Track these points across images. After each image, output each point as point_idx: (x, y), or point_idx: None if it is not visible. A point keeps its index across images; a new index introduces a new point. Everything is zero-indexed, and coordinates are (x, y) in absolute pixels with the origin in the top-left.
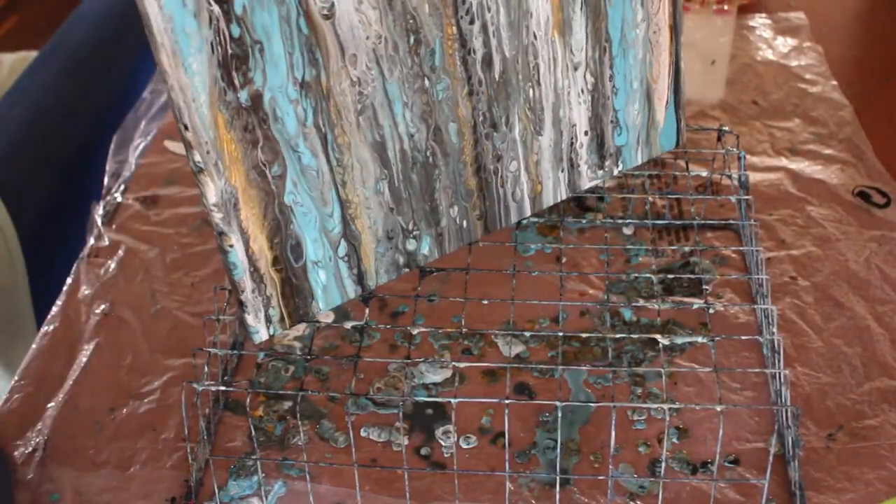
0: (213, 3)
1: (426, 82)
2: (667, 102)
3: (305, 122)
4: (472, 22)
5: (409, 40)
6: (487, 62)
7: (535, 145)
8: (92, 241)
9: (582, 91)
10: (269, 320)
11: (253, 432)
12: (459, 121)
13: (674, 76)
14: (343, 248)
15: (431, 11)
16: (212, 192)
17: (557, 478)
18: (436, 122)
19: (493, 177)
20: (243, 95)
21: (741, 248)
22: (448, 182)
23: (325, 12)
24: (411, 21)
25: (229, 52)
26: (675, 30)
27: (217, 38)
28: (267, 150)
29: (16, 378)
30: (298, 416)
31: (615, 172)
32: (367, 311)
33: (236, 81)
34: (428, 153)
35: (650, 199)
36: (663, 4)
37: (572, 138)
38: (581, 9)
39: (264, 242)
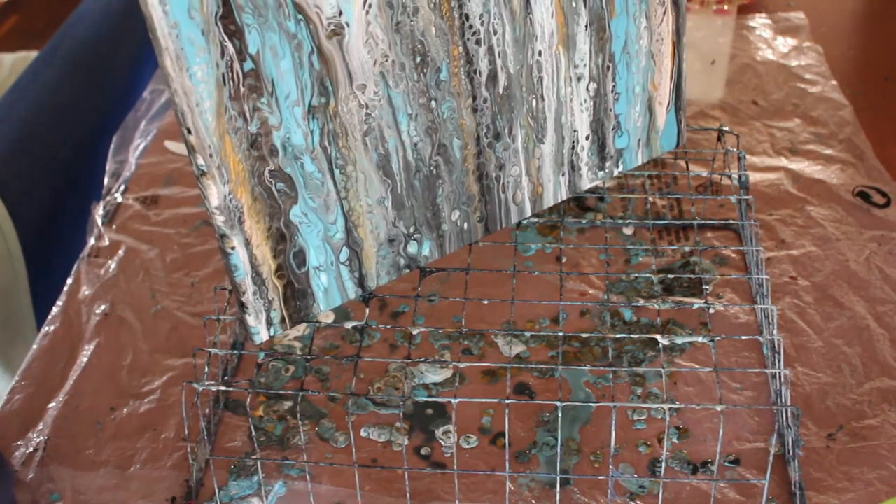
0: (227, 39)
1: (432, 102)
2: (668, 106)
3: (312, 142)
4: (478, 43)
5: (415, 59)
6: (492, 78)
7: (536, 151)
8: (92, 241)
9: (584, 100)
10: (269, 322)
11: (253, 432)
12: (463, 134)
13: (675, 80)
14: (345, 254)
15: (438, 34)
16: (214, 195)
17: (557, 478)
18: (440, 139)
19: (495, 183)
20: (253, 126)
21: (741, 248)
22: (450, 190)
23: (333, 27)
24: (419, 46)
25: (241, 88)
26: (677, 38)
27: (229, 73)
28: (273, 171)
29: (16, 378)
30: (298, 416)
31: (615, 173)
32: (367, 311)
33: (247, 112)
34: (432, 167)
35: (650, 199)
36: (667, 17)
37: (574, 143)
38: (585, 26)
39: (268, 252)
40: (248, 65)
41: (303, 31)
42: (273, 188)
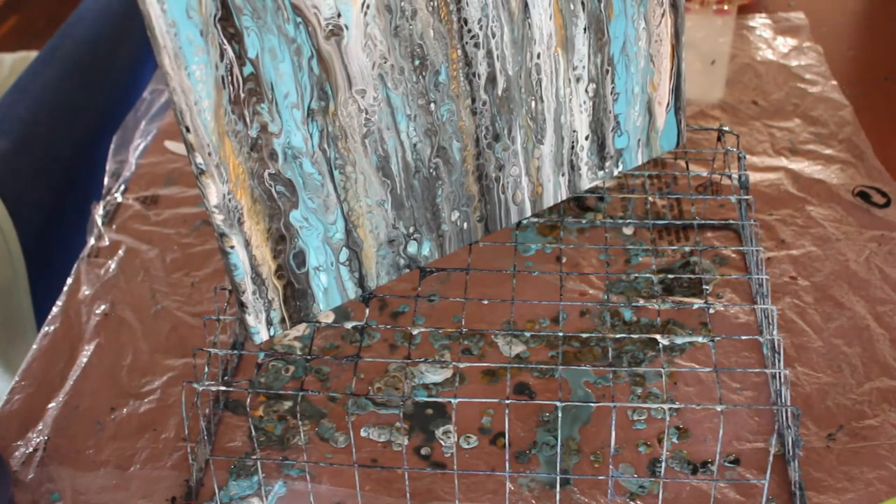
0: (226, 42)
1: (431, 105)
2: (667, 106)
3: (312, 146)
4: (477, 46)
5: (413, 62)
6: (491, 80)
7: (536, 152)
8: (92, 241)
9: (584, 101)
10: (269, 322)
11: (253, 432)
12: (463, 136)
13: (675, 81)
14: (345, 254)
15: (437, 37)
16: (213, 193)
17: (557, 478)
18: (439, 142)
19: (495, 183)
20: (253, 130)
21: (741, 248)
22: (450, 191)
23: (332, 28)
24: (418, 49)
25: (241, 93)
26: (676, 39)
27: (229, 77)
28: (273, 174)
29: (16, 378)
30: (298, 416)
31: (615, 173)
32: (367, 311)
33: (247, 117)
34: (431, 168)
35: (650, 199)
36: (665, 18)
37: (573, 143)
38: (584, 28)
39: (267, 253)
40: (248, 69)
41: (302, 35)
42: (273, 191)
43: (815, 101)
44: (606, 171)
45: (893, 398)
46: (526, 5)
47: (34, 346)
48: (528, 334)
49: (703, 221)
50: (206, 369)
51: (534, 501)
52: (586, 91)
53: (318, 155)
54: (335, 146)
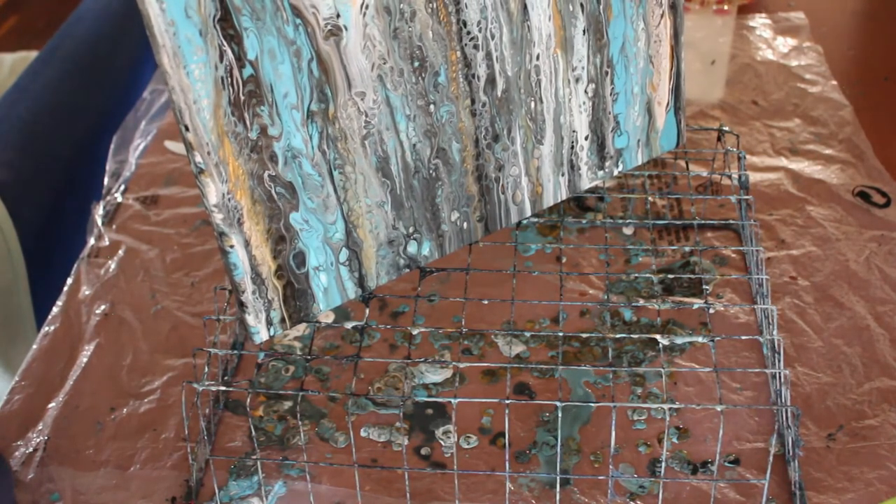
0: (226, 43)
1: (430, 106)
2: (667, 106)
3: (311, 147)
4: (476, 48)
5: (412, 64)
6: (491, 81)
7: (536, 152)
8: (92, 241)
9: (583, 101)
10: (269, 322)
11: (253, 432)
12: (462, 137)
13: (674, 81)
14: (345, 254)
15: (436, 38)
16: (213, 192)
17: (557, 478)
18: (439, 143)
19: (495, 184)
20: (253, 132)
21: (741, 248)
22: (450, 191)
23: (331, 28)
24: (417, 50)
25: (241, 95)
26: (675, 39)
27: (229, 79)
28: (273, 176)
29: (16, 379)
30: (298, 416)
31: (615, 173)
32: (367, 311)
33: (246, 119)
34: (431, 170)
35: (650, 199)
36: (664, 19)
37: (573, 143)
38: (583, 30)
39: (267, 253)
40: (248, 71)
41: (301, 37)
42: (273, 192)
43: (815, 101)
44: (606, 171)
45: (893, 398)
46: (525, 7)
47: (34, 346)
48: (528, 334)
49: (703, 221)
50: (206, 369)
51: (534, 501)
52: (586, 91)
53: (318, 156)
54: (335, 147)
